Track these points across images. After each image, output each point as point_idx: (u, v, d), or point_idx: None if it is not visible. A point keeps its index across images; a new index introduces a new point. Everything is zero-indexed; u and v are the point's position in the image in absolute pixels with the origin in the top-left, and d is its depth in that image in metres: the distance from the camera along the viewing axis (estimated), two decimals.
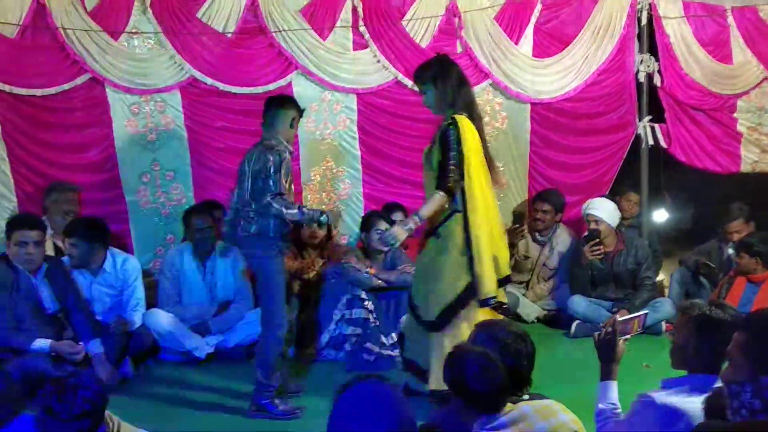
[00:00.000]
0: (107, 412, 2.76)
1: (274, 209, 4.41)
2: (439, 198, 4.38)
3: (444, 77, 4.50)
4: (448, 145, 4.38)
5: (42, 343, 4.86)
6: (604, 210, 6.16)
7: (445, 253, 4.48)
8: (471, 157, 4.40)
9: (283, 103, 4.73)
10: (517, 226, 6.65)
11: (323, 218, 4.60)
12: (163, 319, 5.61)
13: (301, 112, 4.72)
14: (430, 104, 4.58)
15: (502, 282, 4.62)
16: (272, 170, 4.41)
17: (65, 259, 5.41)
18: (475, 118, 4.52)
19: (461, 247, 4.46)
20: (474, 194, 4.43)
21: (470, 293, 4.46)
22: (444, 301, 4.47)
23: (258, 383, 4.62)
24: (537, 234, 6.71)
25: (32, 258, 4.93)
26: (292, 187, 4.65)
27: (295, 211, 4.45)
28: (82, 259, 5.45)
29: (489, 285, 4.43)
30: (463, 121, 4.40)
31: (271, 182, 4.41)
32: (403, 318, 5.18)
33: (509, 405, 2.61)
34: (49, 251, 5.45)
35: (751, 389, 2.20)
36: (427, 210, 4.41)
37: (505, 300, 4.75)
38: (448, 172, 4.37)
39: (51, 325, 4.99)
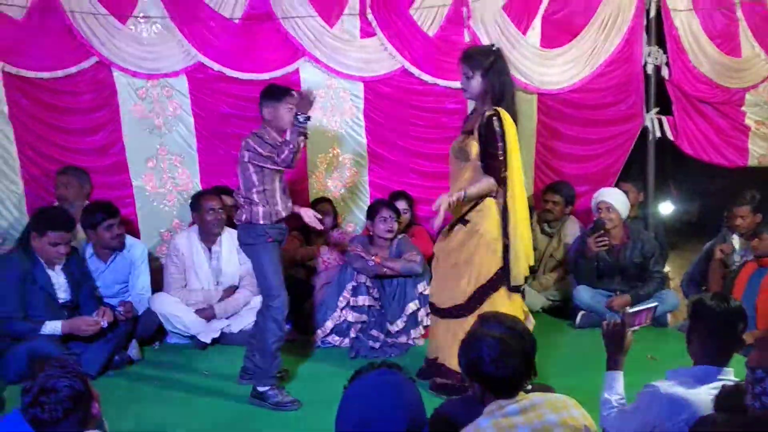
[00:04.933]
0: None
1: (284, 158, 4.42)
2: (490, 185, 4.45)
3: (499, 72, 4.52)
4: (494, 135, 4.41)
5: (53, 325, 4.90)
6: (616, 199, 6.15)
7: (475, 239, 4.52)
8: (512, 149, 4.44)
9: (263, 94, 4.67)
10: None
11: (301, 119, 4.48)
12: (169, 303, 5.63)
13: (279, 98, 4.57)
14: (471, 90, 4.58)
15: (531, 270, 4.68)
16: (256, 155, 4.45)
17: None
18: (516, 120, 4.54)
19: (492, 233, 4.50)
20: (515, 184, 4.49)
21: (501, 278, 4.51)
22: (475, 284, 4.52)
23: (257, 370, 4.62)
24: (546, 225, 6.70)
25: (63, 257, 5.00)
26: (284, 177, 4.65)
27: (286, 150, 4.43)
28: (121, 240, 5.56)
29: (523, 271, 4.54)
30: (505, 114, 4.44)
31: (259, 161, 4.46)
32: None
33: (521, 394, 2.62)
34: None
35: None
36: (476, 191, 4.45)
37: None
38: (498, 163, 4.42)
39: (60, 313, 5.03)
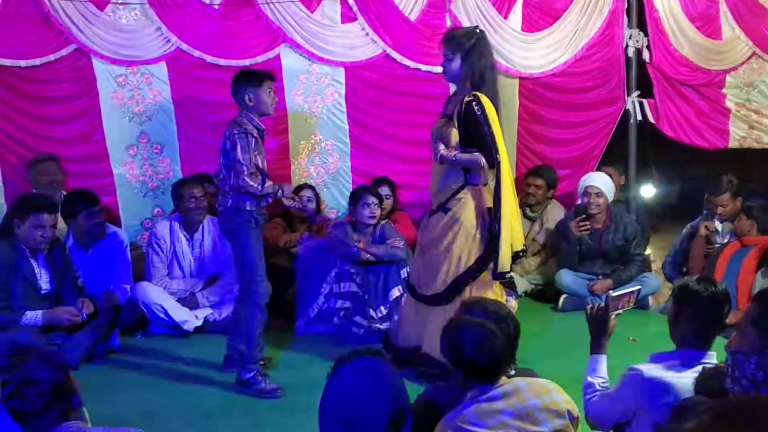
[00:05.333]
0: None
1: (244, 185, 4.41)
2: (479, 160, 4.45)
3: (481, 55, 4.50)
4: (477, 120, 4.40)
5: (33, 315, 4.87)
6: (604, 183, 6.16)
7: (456, 227, 4.53)
8: (497, 132, 4.42)
9: (236, 79, 4.63)
10: (583, 216, 6.48)
11: (276, 191, 4.55)
12: (151, 292, 5.60)
13: (259, 82, 4.55)
14: (451, 72, 4.57)
15: (516, 256, 4.67)
16: (237, 148, 4.40)
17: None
18: (496, 105, 4.52)
19: (472, 221, 4.51)
20: (504, 169, 4.46)
21: (481, 265, 4.52)
22: (455, 273, 4.53)
23: (241, 356, 4.61)
24: (528, 209, 6.71)
25: (46, 241, 4.95)
26: (265, 163, 4.60)
27: (257, 186, 4.44)
28: (102, 228, 5.54)
29: (506, 260, 4.52)
30: (485, 99, 4.43)
31: (240, 158, 4.40)
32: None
33: (504, 379, 2.63)
34: None
35: (756, 361, 2.22)
36: (465, 158, 4.48)
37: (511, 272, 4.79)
38: (487, 146, 4.42)
39: (42, 304, 4.99)
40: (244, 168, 4.39)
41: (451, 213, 4.57)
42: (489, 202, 4.56)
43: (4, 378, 2.46)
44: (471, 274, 4.55)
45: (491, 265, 4.53)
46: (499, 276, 4.55)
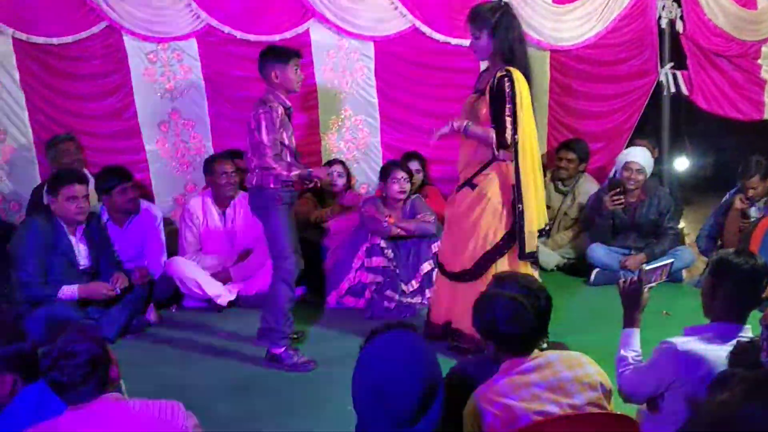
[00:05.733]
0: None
1: (268, 166, 4.41)
2: (489, 136, 4.41)
3: (507, 28, 4.43)
4: (504, 96, 4.36)
5: (69, 290, 4.95)
6: (645, 159, 6.09)
7: (482, 203, 4.51)
8: (523, 111, 4.39)
9: (263, 56, 4.61)
10: (619, 190, 6.42)
11: (307, 176, 4.54)
12: (184, 266, 5.66)
13: (286, 59, 4.53)
14: (480, 50, 4.53)
15: (540, 233, 4.65)
16: (262, 127, 4.39)
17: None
18: (528, 77, 4.47)
19: (499, 197, 4.49)
20: (525, 148, 4.44)
21: (508, 242, 4.50)
22: (481, 250, 4.53)
23: (271, 331, 4.63)
24: (560, 183, 6.67)
25: (82, 212, 5.00)
26: (293, 140, 4.60)
27: (282, 169, 4.43)
28: (136, 203, 5.60)
29: (532, 240, 4.50)
30: (518, 74, 4.37)
31: (264, 139, 4.39)
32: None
33: (536, 352, 2.63)
34: None
35: None
36: (479, 131, 4.45)
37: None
38: (505, 125, 4.37)
39: (81, 279, 5.06)
40: (268, 150, 4.39)
41: (477, 189, 4.55)
42: (511, 179, 4.52)
43: (44, 350, 2.50)
44: (498, 250, 4.53)
45: (517, 244, 4.52)
46: (527, 257, 4.53)
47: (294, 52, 4.63)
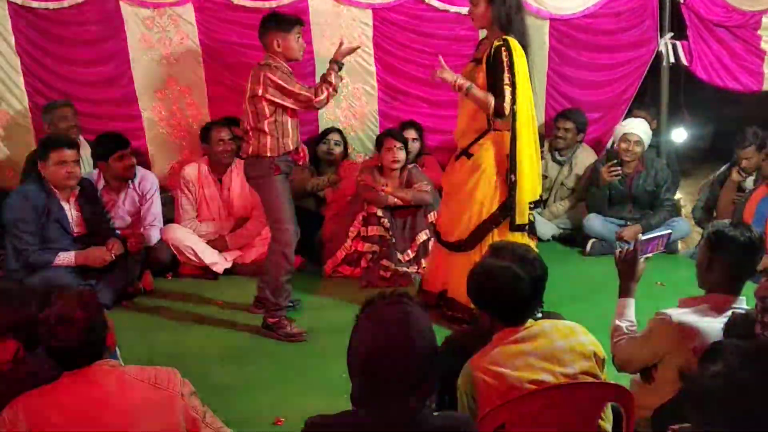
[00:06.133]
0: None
1: (321, 101, 4.46)
2: (489, 102, 4.39)
3: None
4: (500, 65, 4.34)
5: (66, 256, 4.96)
6: (643, 131, 6.08)
7: (477, 172, 4.51)
8: (521, 80, 4.36)
9: (265, 23, 4.59)
10: (614, 162, 6.32)
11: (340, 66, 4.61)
12: (181, 234, 5.67)
13: (289, 27, 4.52)
14: (478, 18, 4.50)
15: (534, 205, 4.65)
16: (279, 84, 4.39)
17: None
18: (525, 46, 4.44)
19: (494, 167, 4.48)
20: (521, 119, 4.43)
21: (503, 212, 4.50)
22: (477, 221, 4.53)
23: (266, 302, 4.64)
24: (557, 153, 6.65)
25: (72, 176, 4.98)
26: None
27: (326, 92, 4.47)
28: (132, 170, 5.60)
29: (525, 212, 4.50)
30: (515, 44, 4.35)
31: (295, 89, 4.41)
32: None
33: (530, 321, 2.64)
34: None
35: None
36: (480, 95, 4.42)
37: (533, 219, 4.75)
38: (504, 95, 4.34)
39: (75, 245, 5.07)
40: (304, 92, 4.43)
41: (473, 158, 4.55)
42: (506, 149, 4.50)
43: (41, 316, 2.51)
44: (493, 220, 4.54)
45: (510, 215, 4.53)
46: (517, 228, 4.53)
47: (297, 20, 4.62)
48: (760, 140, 5.89)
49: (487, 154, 4.48)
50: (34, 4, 5.76)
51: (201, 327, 4.85)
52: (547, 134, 6.70)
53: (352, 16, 6.30)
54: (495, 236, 4.50)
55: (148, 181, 5.73)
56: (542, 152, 6.53)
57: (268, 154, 4.47)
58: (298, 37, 4.54)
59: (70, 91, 5.98)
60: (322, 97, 4.44)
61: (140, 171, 5.73)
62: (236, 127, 5.77)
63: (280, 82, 4.39)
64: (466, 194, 4.55)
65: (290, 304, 4.87)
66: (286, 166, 4.59)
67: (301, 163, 4.86)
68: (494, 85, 4.38)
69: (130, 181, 5.63)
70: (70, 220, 5.07)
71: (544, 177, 6.54)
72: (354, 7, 6.27)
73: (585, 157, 6.61)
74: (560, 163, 6.65)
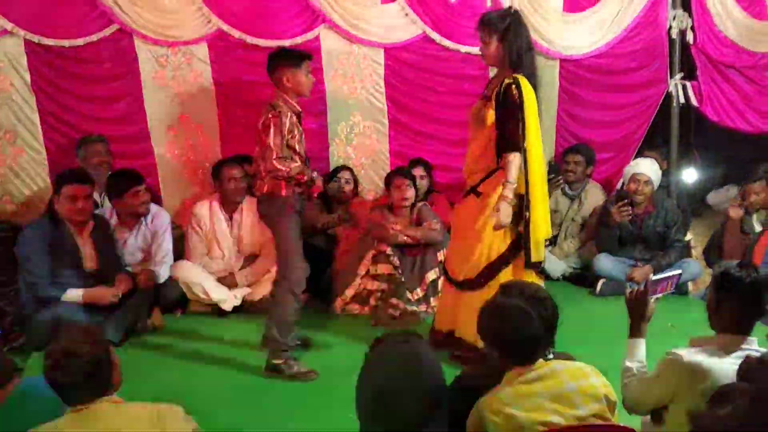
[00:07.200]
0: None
1: (272, 169, 4.35)
2: (517, 160, 4.36)
3: (516, 35, 4.43)
4: (512, 104, 4.35)
5: (74, 293, 4.97)
6: (653, 171, 6.08)
7: (487, 211, 4.48)
8: (530, 118, 4.37)
9: (273, 58, 4.59)
10: (553, 176, 6.51)
11: (314, 175, 4.54)
12: (190, 271, 5.67)
13: (298, 62, 4.52)
14: (489, 56, 4.52)
15: (549, 242, 4.65)
16: (270, 131, 4.35)
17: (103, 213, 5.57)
18: (535, 85, 4.46)
19: None
20: (532, 156, 4.42)
21: (513, 252, 4.48)
22: (486, 259, 4.51)
23: (272, 342, 4.57)
24: (567, 187, 6.66)
25: (83, 212, 5.02)
26: (303, 145, 4.56)
27: (285, 168, 4.35)
28: (147, 206, 5.63)
29: (539, 250, 4.49)
30: (525, 82, 4.36)
31: (271, 142, 4.34)
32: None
33: (541, 361, 2.62)
34: None
35: None
36: (513, 173, 4.37)
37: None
38: (517, 132, 4.35)
39: (87, 281, 5.08)
40: (274, 153, 4.33)
41: (482, 197, 4.54)
42: (521, 188, 4.48)
43: (47, 349, 2.51)
44: (503, 260, 4.51)
45: (523, 253, 4.50)
46: (533, 266, 4.51)
47: (306, 55, 4.62)
48: None
49: (495, 193, 4.47)
50: (50, 42, 5.84)
51: (208, 365, 4.81)
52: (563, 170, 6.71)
53: (363, 55, 6.37)
54: (504, 276, 4.47)
55: (160, 218, 5.75)
56: (560, 182, 6.58)
57: (283, 194, 4.47)
58: (308, 73, 4.55)
59: (84, 127, 6.04)
60: (283, 167, 4.33)
61: (153, 208, 5.75)
62: (248, 164, 5.81)
63: (271, 127, 4.36)
64: (475, 233, 4.54)
65: (299, 342, 4.85)
66: (298, 203, 4.59)
67: (316, 195, 4.86)
68: (502, 122, 4.40)
69: (143, 218, 5.65)
70: (83, 256, 5.09)
71: (555, 212, 6.55)
72: (366, 46, 6.34)
73: (594, 194, 6.63)
74: (571, 198, 6.65)
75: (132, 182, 5.55)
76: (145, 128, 6.18)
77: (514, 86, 4.35)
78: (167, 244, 5.73)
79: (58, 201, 4.98)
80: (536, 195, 4.46)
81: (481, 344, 4.33)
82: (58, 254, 4.98)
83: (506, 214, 4.37)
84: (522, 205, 4.46)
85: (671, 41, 6.71)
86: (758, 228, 5.86)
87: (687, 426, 2.73)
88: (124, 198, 5.53)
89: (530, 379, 2.56)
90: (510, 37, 4.42)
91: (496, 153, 4.45)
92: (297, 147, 4.47)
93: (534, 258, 4.48)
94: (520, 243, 4.50)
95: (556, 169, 6.59)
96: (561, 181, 6.56)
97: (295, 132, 4.46)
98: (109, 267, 5.20)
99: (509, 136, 4.37)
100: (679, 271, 3.70)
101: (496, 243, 4.49)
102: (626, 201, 6.07)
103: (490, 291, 4.32)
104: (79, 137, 5.97)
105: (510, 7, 4.75)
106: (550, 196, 6.00)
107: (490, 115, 4.46)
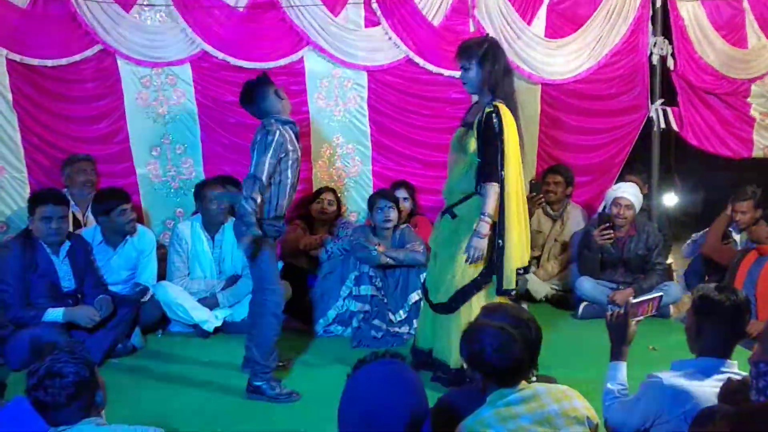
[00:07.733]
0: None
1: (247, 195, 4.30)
2: (495, 191, 4.36)
3: (493, 61, 4.45)
4: (492, 133, 4.35)
5: (55, 313, 4.92)
6: (634, 195, 6.12)
7: (461, 234, 4.47)
8: (509, 146, 4.38)
9: (253, 91, 4.57)
10: (534, 194, 6.53)
11: (252, 231, 4.31)
12: (172, 291, 5.64)
13: (268, 84, 4.55)
14: (470, 82, 4.54)
15: (525, 270, 4.63)
16: (258, 150, 4.35)
17: (88, 232, 5.57)
18: (514, 108, 4.48)
19: None
20: (509, 186, 4.40)
21: (486, 277, 4.48)
22: (458, 284, 4.48)
23: (254, 364, 4.54)
24: (549, 207, 6.71)
25: (57, 232, 4.98)
26: (297, 170, 4.55)
27: (249, 206, 4.27)
28: (133, 225, 5.61)
29: (511, 278, 4.45)
30: (505, 110, 4.38)
31: (252, 163, 4.36)
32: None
33: (523, 383, 2.63)
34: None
35: None
36: (491, 206, 4.36)
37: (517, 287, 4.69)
38: (496, 162, 4.36)
39: (65, 301, 5.04)
40: (257, 172, 4.32)
41: (458, 219, 4.53)
42: (495, 215, 4.44)
43: (30, 369, 2.49)
44: (476, 285, 4.49)
45: (495, 279, 4.50)
46: (504, 293, 4.49)
47: (267, 77, 4.64)
48: (757, 197, 5.98)
49: (470, 216, 4.46)
50: (33, 61, 5.84)
51: (190, 387, 4.76)
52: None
53: (347, 77, 6.39)
54: (476, 301, 4.44)
55: (146, 238, 5.73)
56: (541, 200, 6.60)
57: (264, 218, 4.44)
58: (279, 93, 4.56)
59: (66, 147, 6.03)
60: (246, 204, 4.28)
61: (139, 228, 5.74)
62: (230, 185, 5.80)
63: (258, 146, 4.37)
64: (449, 257, 4.53)
65: (281, 363, 4.82)
66: (276, 231, 4.52)
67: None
68: (483, 151, 4.41)
69: (128, 237, 5.62)
70: (60, 275, 5.05)
71: (538, 232, 6.59)
72: (349, 68, 6.36)
73: (575, 215, 6.71)
74: (553, 219, 6.70)
75: (119, 200, 5.52)
76: (127, 148, 6.17)
77: (494, 115, 4.37)
78: (152, 265, 5.73)
79: (33, 221, 4.96)
80: (512, 222, 4.43)
81: (454, 365, 4.39)
82: (33, 274, 4.94)
83: (480, 248, 4.38)
84: (495, 232, 4.46)
85: (652, 67, 6.79)
86: (737, 239, 5.95)
87: None
88: (110, 216, 5.51)
89: (513, 401, 2.57)
90: (488, 63, 4.45)
91: (477, 180, 4.46)
92: (290, 177, 4.49)
93: (505, 285, 4.46)
94: (492, 269, 4.49)
95: (537, 188, 6.61)
96: (542, 199, 6.59)
97: (289, 155, 4.46)
98: (87, 287, 5.16)
99: (488, 165, 4.38)
100: (660, 294, 3.71)
101: (469, 268, 4.47)
102: (608, 224, 6.10)
103: (462, 315, 4.37)
104: (61, 157, 5.96)
105: (487, 34, 4.80)
106: (531, 216, 6.08)
107: (472, 143, 4.47)
